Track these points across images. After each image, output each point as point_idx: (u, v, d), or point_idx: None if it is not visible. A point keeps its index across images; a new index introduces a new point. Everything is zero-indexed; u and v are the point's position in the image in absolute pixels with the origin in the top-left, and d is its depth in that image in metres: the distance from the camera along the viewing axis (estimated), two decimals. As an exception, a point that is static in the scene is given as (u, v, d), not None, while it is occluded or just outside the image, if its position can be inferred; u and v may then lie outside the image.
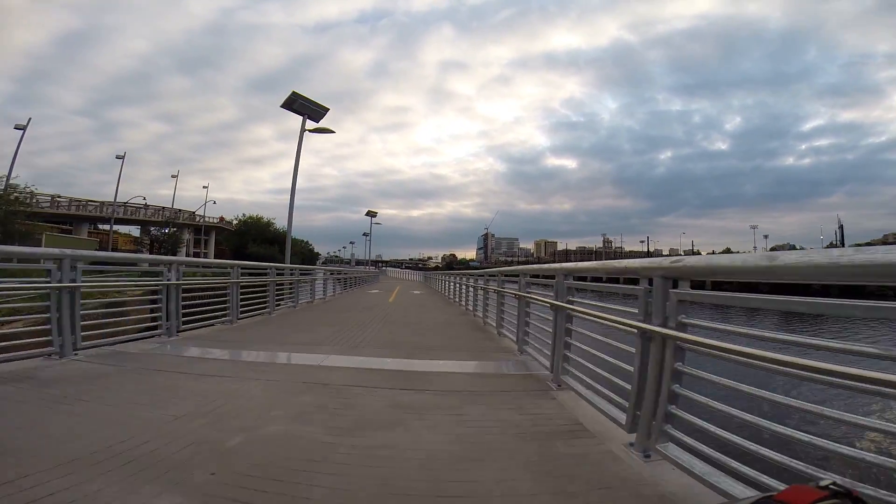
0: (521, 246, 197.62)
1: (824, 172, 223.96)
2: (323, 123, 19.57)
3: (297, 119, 18.88)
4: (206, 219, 57.44)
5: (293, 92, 19.24)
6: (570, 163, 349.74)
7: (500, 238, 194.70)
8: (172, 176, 46.46)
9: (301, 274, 12.65)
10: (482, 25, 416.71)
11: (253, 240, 52.65)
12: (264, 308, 8.64)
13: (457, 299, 13.42)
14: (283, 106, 19.33)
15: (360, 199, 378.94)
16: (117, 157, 33.97)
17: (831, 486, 0.58)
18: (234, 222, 58.30)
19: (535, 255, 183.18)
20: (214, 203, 46.28)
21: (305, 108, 19.38)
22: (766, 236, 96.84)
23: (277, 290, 9.49)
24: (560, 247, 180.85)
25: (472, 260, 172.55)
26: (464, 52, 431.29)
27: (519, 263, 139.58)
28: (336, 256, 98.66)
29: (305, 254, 69.54)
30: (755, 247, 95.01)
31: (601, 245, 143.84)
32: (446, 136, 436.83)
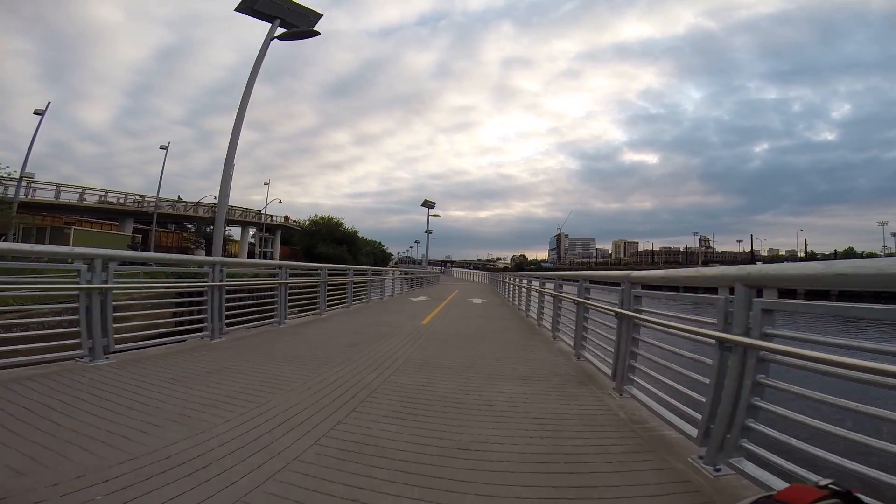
0: (597, 247, 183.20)
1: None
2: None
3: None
4: (273, 218, 56.07)
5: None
6: (650, 158, 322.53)
7: (575, 238, 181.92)
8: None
9: (330, 274, 9.45)
10: (543, 20, 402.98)
11: (323, 239, 51.25)
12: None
13: (542, 321, 7.21)
14: (237, 9, 12.19)
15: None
16: (161, 148, 31.52)
17: (830, 486, 0.60)
18: (306, 223, 57.40)
19: (613, 257, 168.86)
20: (280, 202, 44.38)
21: (276, 8, 12.12)
22: (895, 234, 77.08)
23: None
24: (642, 247, 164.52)
25: (543, 261, 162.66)
26: (526, 48, 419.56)
27: (597, 265, 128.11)
28: (408, 257, 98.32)
29: (377, 254, 67.87)
30: (884, 246, 76.29)
31: (694, 245, 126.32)
32: (513, 134, 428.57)
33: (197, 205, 43.61)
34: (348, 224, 57.71)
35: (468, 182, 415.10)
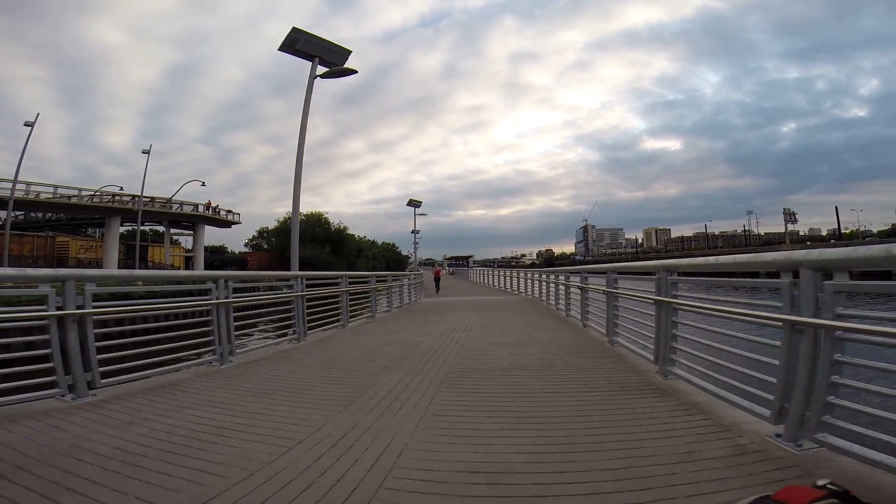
0: (627, 236, 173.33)
1: None
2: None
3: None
4: (198, 208, 38.86)
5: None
6: (672, 144, 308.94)
7: (602, 229, 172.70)
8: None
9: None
10: (546, 11, 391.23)
11: (300, 238, 42.85)
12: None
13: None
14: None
15: (449, 203, 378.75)
16: (143, 153, 28.35)
17: (828, 486, 0.58)
18: (283, 220, 47.13)
19: (645, 245, 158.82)
20: (203, 185, 33.23)
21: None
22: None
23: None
24: (674, 234, 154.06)
25: (572, 254, 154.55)
26: (532, 41, 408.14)
27: (639, 257, 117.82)
28: (430, 259, 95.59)
29: (390, 257, 63.99)
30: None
31: (739, 228, 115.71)
32: (528, 129, 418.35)
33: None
34: (344, 225, 48.62)
35: (486, 181, 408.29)
